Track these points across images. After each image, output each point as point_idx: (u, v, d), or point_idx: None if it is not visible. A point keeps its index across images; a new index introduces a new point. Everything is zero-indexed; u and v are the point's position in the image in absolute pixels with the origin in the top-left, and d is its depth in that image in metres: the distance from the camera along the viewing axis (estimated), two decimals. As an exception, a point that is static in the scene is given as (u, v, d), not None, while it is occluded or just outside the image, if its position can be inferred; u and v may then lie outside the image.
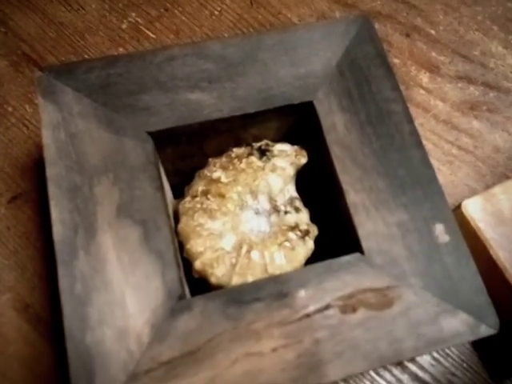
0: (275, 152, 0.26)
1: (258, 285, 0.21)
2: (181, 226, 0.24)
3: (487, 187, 0.31)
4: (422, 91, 0.35)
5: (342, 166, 0.24)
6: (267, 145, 0.26)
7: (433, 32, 0.37)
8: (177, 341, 0.20)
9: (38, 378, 0.27)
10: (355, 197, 0.23)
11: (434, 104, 0.35)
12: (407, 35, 0.37)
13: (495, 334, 0.21)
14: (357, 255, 0.22)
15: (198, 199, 0.25)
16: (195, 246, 0.24)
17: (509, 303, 0.25)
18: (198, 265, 0.24)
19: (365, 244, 0.22)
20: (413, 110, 0.35)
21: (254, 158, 0.26)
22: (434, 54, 0.37)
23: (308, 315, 0.21)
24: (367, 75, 0.26)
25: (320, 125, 0.24)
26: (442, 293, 0.21)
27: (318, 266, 0.22)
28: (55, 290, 0.29)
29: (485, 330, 0.21)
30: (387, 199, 0.23)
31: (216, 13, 0.37)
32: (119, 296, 0.21)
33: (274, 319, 0.21)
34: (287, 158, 0.26)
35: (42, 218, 0.31)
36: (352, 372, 0.20)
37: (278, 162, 0.26)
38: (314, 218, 0.26)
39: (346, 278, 0.22)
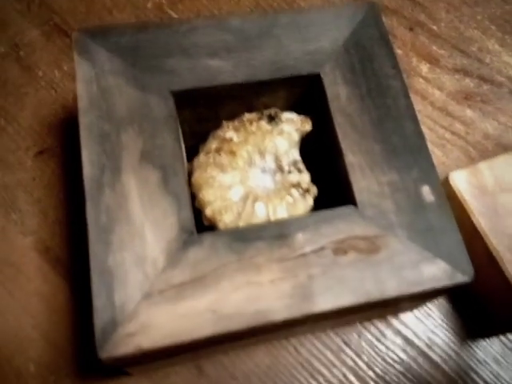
0: (283, 118, 0.29)
1: (261, 226, 0.24)
2: (194, 177, 0.27)
3: (476, 169, 0.34)
4: (421, 80, 0.38)
5: (343, 132, 0.26)
6: (276, 112, 0.29)
7: (435, 28, 0.40)
8: (187, 268, 0.23)
9: (55, 311, 0.30)
10: (353, 158, 0.26)
11: (432, 92, 0.38)
12: (411, 29, 0.40)
13: (469, 282, 0.24)
14: (351, 207, 0.25)
15: (211, 155, 0.28)
16: (207, 195, 0.27)
17: (488, 266, 0.28)
18: (208, 212, 0.26)
19: (358, 198, 0.25)
20: (412, 97, 0.37)
21: (263, 123, 0.28)
22: (434, 47, 0.39)
23: (304, 254, 0.23)
24: (370, 54, 0.28)
25: (325, 95, 0.27)
26: (424, 243, 0.24)
27: (316, 215, 0.25)
28: (74, 236, 0.32)
29: (460, 277, 0.23)
30: (381, 162, 0.26)
31: (236, -4, 0.40)
32: (139, 228, 0.23)
33: (274, 255, 0.23)
34: (293, 124, 0.29)
35: (65, 171, 0.33)
36: (340, 304, 0.23)
37: (285, 127, 0.28)
38: (314, 181, 0.28)
39: (339, 225, 0.24)
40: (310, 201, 0.27)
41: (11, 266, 0.31)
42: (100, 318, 0.21)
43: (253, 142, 0.28)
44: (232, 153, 0.27)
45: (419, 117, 0.34)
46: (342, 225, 0.24)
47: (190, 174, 0.28)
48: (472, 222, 0.28)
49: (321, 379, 0.29)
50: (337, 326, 0.31)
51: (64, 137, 0.35)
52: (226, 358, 0.30)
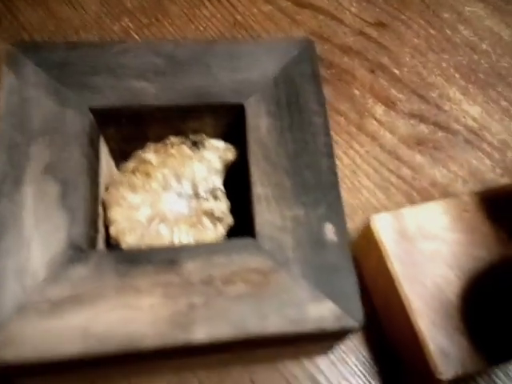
0: (207, 145, 0.29)
1: (153, 250, 0.24)
2: (106, 195, 0.27)
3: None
4: (374, 122, 0.38)
5: (256, 162, 0.26)
6: (201, 138, 0.29)
7: (397, 72, 0.40)
8: (67, 284, 0.22)
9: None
10: (261, 189, 0.25)
11: (383, 135, 0.37)
12: (372, 71, 0.40)
13: (357, 327, 0.23)
14: (249, 239, 0.24)
15: (126, 174, 0.28)
16: (114, 214, 0.26)
17: (400, 313, 0.27)
18: (112, 231, 0.26)
19: (259, 230, 0.24)
20: (362, 137, 0.37)
21: (185, 147, 0.28)
22: (393, 91, 0.39)
23: (190, 283, 0.23)
24: (299, 89, 0.28)
25: (245, 125, 0.27)
26: (316, 282, 0.23)
27: (212, 245, 0.24)
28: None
29: (348, 321, 0.22)
30: (289, 196, 0.25)
31: (201, 28, 0.41)
32: (27, 239, 0.23)
33: (159, 280, 0.23)
34: (217, 152, 0.28)
35: None
36: (217, 336, 0.22)
37: (206, 154, 0.28)
38: (237, 211, 0.28)
39: (234, 257, 0.24)
40: (220, 230, 0.27)
41: None
42: (-32, 326, 0.21)
43: (171, 165, 0.28)
44: (147, 174, 0.27)
45: (366, 157, 0.34)
46: (236, 256, 0.24)
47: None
48: (387, 266, 0.27)
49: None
50: (247, 364, 0.30)
51: None
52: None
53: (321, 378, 0.29)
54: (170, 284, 0.23)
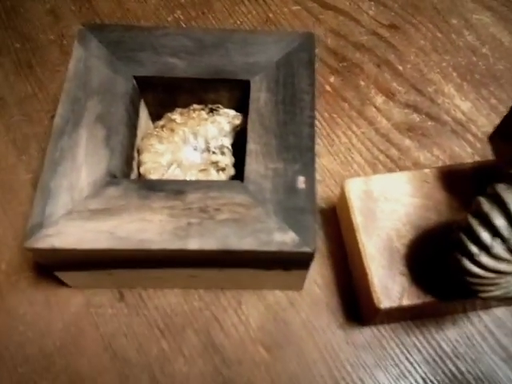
0: (220, 112, 0.36)
1: (166, 182, 0.32)
2: (140, 143, 0.35)
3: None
4: (373, 109, 0.44)
5: (252, 125, 0.34)
6: (218, 107, 0.37)
7: (400, 68, 0.46)
8: (103, 200, 0.31)
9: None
10: (253, 146, 0.33)
11: (380, 120, 0.44)
12: (378, 66, 0.46)
13: (311, 252, 0.30)
14: (237, 182, 0.32)
15: (156, 129, 0.36)
16: (144, 157, 0.35)
17: (358, 256, 0.34)
18: (142, 170, 0.35)
19: (246, 176, 0.32)
20: (360, 121, 0.44)
21: (203, 112, 0.36)
22: (394, 84, 0.45)
23: (190, 208, 0.31)
24: (295, 72, 0.35)
25: (249, 97, 0.35)
26: (284, 217, 0.30)
27: (210, 182, 0.32)
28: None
29: (304, 248, 0.30)
30: (273, 153, 0.33)
31: (238, 22, 0.49)
32: (78, 166, 0.32)
33: (168, 204, 0.31)
34: (227, 118, 0.36)
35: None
36: (204, 247, 0.30)
37: (219, 118, 0.36)
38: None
39: (225, 193, 0.31)
40: (222, 177, 0.35)
41: (11, 192, 0.41)
42: (32, 221, 0.30)
43: (190, 125, 0.36)
44: (172, 130, 0.36)
45: (361, 138, 0.41)
46: (226, 193, 0.31)
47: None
48: (352, 219, 0.34)
49: (216, 325, 0.36)
50: (237, 289, 0.37)
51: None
52: (144, 292, 0.37)
53: (296, 304, 0.37)
54: (175, 207, 0.31)
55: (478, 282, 0.28)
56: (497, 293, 0.28)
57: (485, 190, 0.27)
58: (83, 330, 0.36)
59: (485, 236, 0.26)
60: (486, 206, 0.26)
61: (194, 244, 0.30)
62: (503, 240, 0.25)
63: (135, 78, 0.35)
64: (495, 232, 0.25)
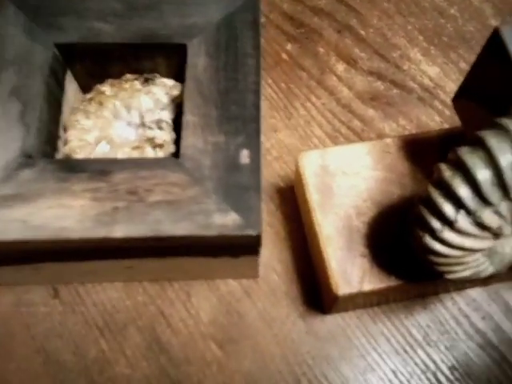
0: (157, 82, 0.32)
1: (89, 161, 0.28)
2: (64, 119, 0.31)
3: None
4: (334, 78, 0.40)
5: (189, 95, 0.30)
6: (154, 76, 0.33)
7: (362, 32, 0.42)
8: (15, 184, 0.27)
9: None
10: (190, 118, 0.29)
11: (341, 90, 0.40)
12: (338, 31, 0.42)
13: (255, 235, 0.26)
14: (172, 158, 0.28)
15: (83, 103, 0.32)
16: (69, 135, 0.31)
17: (315, 237, 0.30)
18: (65, 149, 0.30)
19: (182, 151, 0.28)
20: (320, 91, 0.40)
21: (136, 82, 0.32)
22: (356, 50, 0.42)
23: (116, 190, 0.27)
24: (238, 34, 0.31)
25: (186, 63, 0.31)
26: (226, 197, 0.27)
27: (139, 160, 0.28)
28: None
29: (248, 231, 0.26)
30: (214, 125, 0.29)
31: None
32: (-12, 146, 0.28)
33: (90, 186, 0.27)
34: (164, 88, 0.32)
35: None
36: (132, 234, 0.26)
37: (154, 89, 0.32)
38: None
39: (157, 171, 0.27)
40: (160, 155, 0.31)
41: None
42: None
43: (121, 97, 0.32)
44: (100, 103, 0.32)
45: (321, 109, 0.37)
46: (159, 171, 0.27)
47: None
48: (307, 197, 0.30)
49: (162, 321, 0.32)
50: (186, 279, 0.34)
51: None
52: (82, 287, 0.33)
53: (252, 294, 0.33)
54: (99, 190, 0.27)
55: (442, 261, 0.24)
56: (465, 273, 0.25)
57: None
58: (12, 331, 0.32)
59: (447, 208, 0.22)
60: (448, 173, 0.22)
61: (119, 231, 0.26)
62: (468, 212, 0.22)
63: (57, 46, 0.31)
64: (459, 203, 0.22)
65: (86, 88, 0.34)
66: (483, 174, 0.21)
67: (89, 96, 0.32)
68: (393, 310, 0.32)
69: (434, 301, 0.33)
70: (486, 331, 0.32)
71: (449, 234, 0.23)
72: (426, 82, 0.40)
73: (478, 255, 0.24)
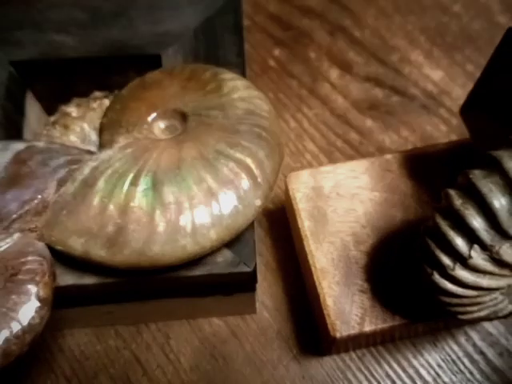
0: (128, 99, 0.29)
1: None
2: (25, 145, 0.28)
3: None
4: (327, 85, 0.37)
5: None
6: (126, 93, 0.29)
7: (357, 34, 0.39)
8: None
9: None
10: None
11: (335, 99, 0.36)
12: (331, 34, 0.39)
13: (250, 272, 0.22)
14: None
15: (46, 127, 0.28)
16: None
17: (309, 270, 0.26)
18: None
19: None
20: (312, 101, 0.36)
21: (106, 101, 0.29)
22: (351, 53, 0.38)
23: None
24: (219, 41, 0.28)
25: (160, 76, 0.27)
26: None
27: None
28: None
29: (241, 267, 0.22)
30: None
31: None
32: None
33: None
34: (136, 105, 0.29)
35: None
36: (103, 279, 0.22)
37: (125, 107, 0.29)
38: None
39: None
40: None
41: None
42: None
43: (89, 118, 0.28)
44: (66, 126, 0.28)
45: (314, 120, 0.34)
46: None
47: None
48: (298, 224, 0.27)
49: (138, 368, 0.29)
50: (165, 320, 0.30)
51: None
52: (47, 332, 0.30)
53: (240, 334, 0.29)
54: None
55: (455, 302, 0.21)
56: (481, 314, 0.21)
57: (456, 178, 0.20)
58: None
59: (459, 242, 0.19)
60: (458, 201, 0.19)
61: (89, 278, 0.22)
62: (483, 247, 0.18)
63: (13, 63, 0.28)
64: (472, 236, 0.18)
65: (50, 109, 0.31)
66: (500, 202, 0.18)
67: (52, 119, 0.29)
68: (399, 348, 0.29)
69: (445, 336, 0.29)
70: (505, 369, 0.28)
71: (461, 272, 0.19)
72: (430, 87, 0.37)
73: (495, 294, 0.20)
